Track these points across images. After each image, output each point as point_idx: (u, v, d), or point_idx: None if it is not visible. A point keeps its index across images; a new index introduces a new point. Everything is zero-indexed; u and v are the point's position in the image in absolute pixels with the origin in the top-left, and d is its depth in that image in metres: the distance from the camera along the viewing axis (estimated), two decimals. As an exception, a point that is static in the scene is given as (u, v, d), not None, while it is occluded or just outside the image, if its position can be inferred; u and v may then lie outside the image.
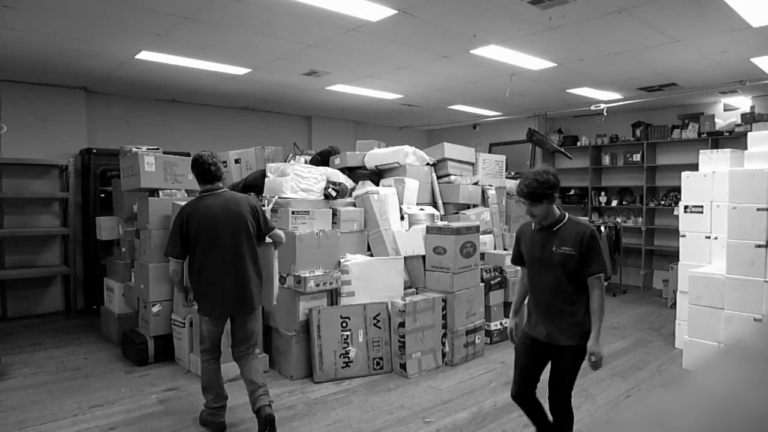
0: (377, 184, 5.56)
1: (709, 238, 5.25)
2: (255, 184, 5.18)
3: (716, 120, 7.73)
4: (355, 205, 5.15)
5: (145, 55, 5.38)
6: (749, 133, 4.89)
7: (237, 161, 5.90)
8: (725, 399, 0.20)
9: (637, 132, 8.56)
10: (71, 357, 4.98)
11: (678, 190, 6.19)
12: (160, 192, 4.81)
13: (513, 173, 9.01)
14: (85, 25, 4.47)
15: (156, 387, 4.21)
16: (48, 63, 5.64)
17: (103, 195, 6.66)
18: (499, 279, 5.46)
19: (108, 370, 4.65)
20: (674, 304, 6.10)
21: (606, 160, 9.06)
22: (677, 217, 5.62)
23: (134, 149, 4.88)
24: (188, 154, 6.02)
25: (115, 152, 5.76)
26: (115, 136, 7.05)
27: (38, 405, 3.86)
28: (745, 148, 4.76)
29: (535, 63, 5.76)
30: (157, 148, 5.10)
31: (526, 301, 2.95)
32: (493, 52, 5.34)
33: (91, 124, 7.01)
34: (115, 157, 5.64)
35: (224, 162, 5.99)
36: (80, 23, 4.43)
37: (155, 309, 4.72)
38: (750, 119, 7.32)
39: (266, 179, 5.07)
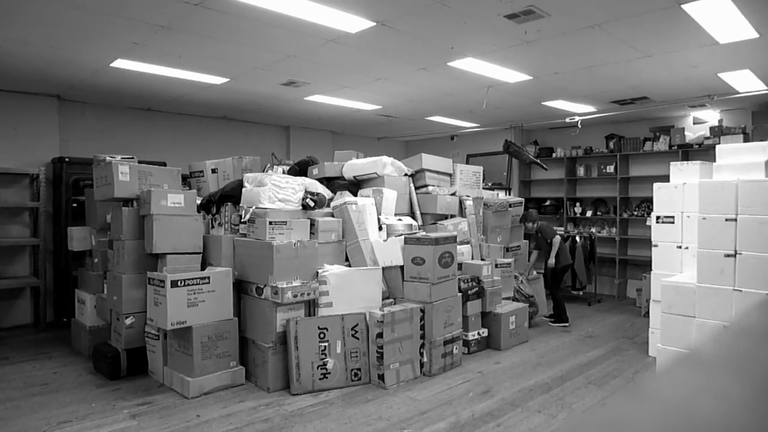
0: (355, 195, 5.56)
1: (680, 247, 5.37)
2: (232, 194, 5.13)
3: (686, 133, 7.94)
4: (333, 216, 5.14)
5: (120, 63, 5.31)
6: (717, 146, 5.03)
7: (214, 171, 5.84)
8: (678, 405, 0.21)
9: (611, 144, 8.74)
10: (40, 371, 4.84)
11: (650, 200, 6.33)
12: (134, 202, 4.74)
13: (490, 184, 9.12)
14: (59, 32, 4.40)
15: (128, 401, 4.12)
16: (20, 70, 5.53)
17: (75, 205, 6.52)
18: (476, 289, 5.49)
19: (78, 384, 4.53)
20: (647, 312, 6.21)
21: (581, 171, 9.23)
22: (650, 227, 5.74)
23: (108, 158, 4.80)
24: (164, 164, 5.97)
25: (88, 161, 5.65)
26: (89, 144, 6.93)
27: (3, 422, 3.74)
28: (714, 161, 4.90)
29: (511, 76, 5.86)
30: (132, 158, 5.03)
31: None
32: (470, 64, 5.41)
33: (64, 132, 6.89)
34: (88, 166, 5.54)
35: (201, 172, 5.93)
36: (54, 30, 4.36)
37: (128, 321, 4.62)
38: (718, 132, 7.55)
39: (243, 189, 5.03)
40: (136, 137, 7.55)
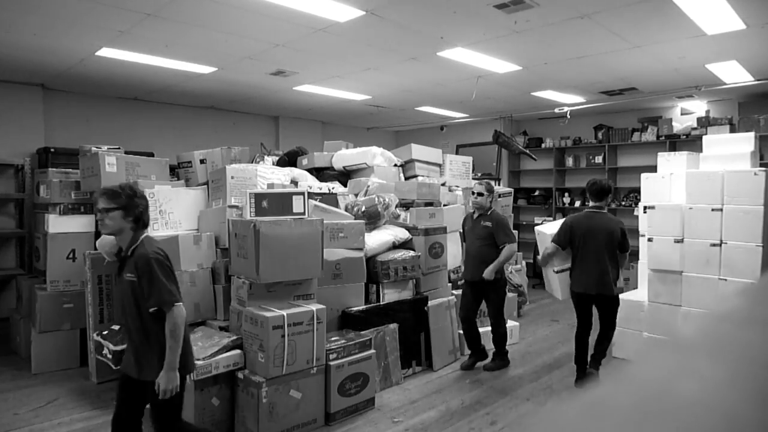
0: (345, 185, 5.55)
1: (667, 237, 5.41)
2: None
3: (674, 123, 8.00)
4: (322, 206, 5.12)
5: (106, 52, 5.24)
6: (704, 137, 5.08)
7: (202, 161, 5.79)
8: (659, 387, 0.22)
9: (599, 134, 8.79)
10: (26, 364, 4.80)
11: (638, 191, 6.38)
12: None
13: (479, 174, 9.14)
14: (43, 19, 4.33)
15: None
16: (2, 58, 5.44)
17: (61, 196, 6.44)
18: (466, 279, 5.51)
19: (67, 377, 4.50)
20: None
21: (569, 161, 9.27)
22: (637, 217, 5.79)
23: (94, 149, 4.74)
24: (151, 154, 5.91)
25: (74, 152, 5.58)
26: (75, 135, 6.84)
27: (-8, 414, 3.71)
28: (701, 151, 4.94)
29: (500, 66, 5.86)
30: (119, 148, 4.97)
31: None
32: (459, 54, 5.40)
33: (49, 122, 6.79)
34: (74, 156, 5.47)
35: (189, 162, 5.88)
36: (37, 17, 4.29)
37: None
38: (705, 123, 7.61)
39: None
40: (123, 127, 7.47)
